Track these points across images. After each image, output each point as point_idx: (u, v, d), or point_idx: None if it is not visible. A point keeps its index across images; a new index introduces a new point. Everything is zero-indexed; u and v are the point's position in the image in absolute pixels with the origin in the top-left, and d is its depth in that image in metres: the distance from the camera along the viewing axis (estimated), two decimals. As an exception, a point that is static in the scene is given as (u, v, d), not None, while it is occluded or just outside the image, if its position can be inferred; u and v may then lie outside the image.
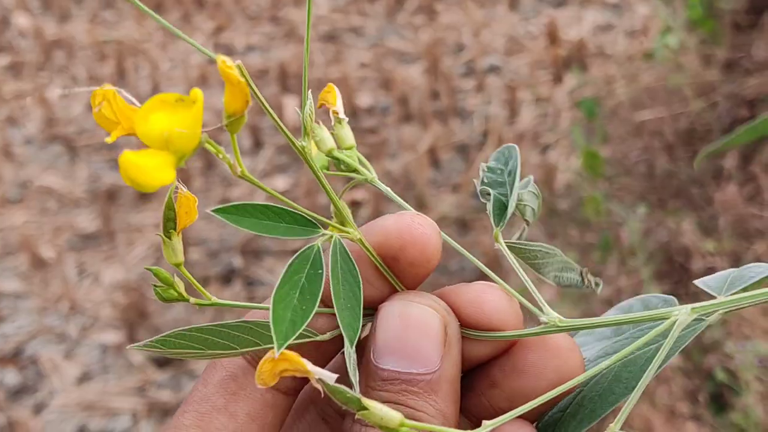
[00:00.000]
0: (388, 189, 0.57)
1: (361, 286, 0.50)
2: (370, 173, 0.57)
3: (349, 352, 0.50)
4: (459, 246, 0.56)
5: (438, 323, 0.52)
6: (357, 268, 0.51)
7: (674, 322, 0.51)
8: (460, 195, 2.96)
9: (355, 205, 2.93)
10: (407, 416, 0.50)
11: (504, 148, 0.59)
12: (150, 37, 3.94)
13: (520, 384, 0.54)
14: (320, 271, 0.49)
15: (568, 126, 3.08)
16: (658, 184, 2.56)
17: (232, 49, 3.83)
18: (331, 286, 0.50)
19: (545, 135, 3.18)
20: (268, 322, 0.52)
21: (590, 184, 2.68)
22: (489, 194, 0.56)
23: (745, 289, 0.55)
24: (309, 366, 0.44)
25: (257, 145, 3.28)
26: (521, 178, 0.59)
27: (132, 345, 0.53)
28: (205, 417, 0.53)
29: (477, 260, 0.55)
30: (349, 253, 0.51)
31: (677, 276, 2.27)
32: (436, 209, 2.90)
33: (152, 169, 0.44)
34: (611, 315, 0.61)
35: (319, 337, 0.53)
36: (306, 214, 0.51)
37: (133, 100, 0.47)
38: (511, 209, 0.56)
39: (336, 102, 0.57)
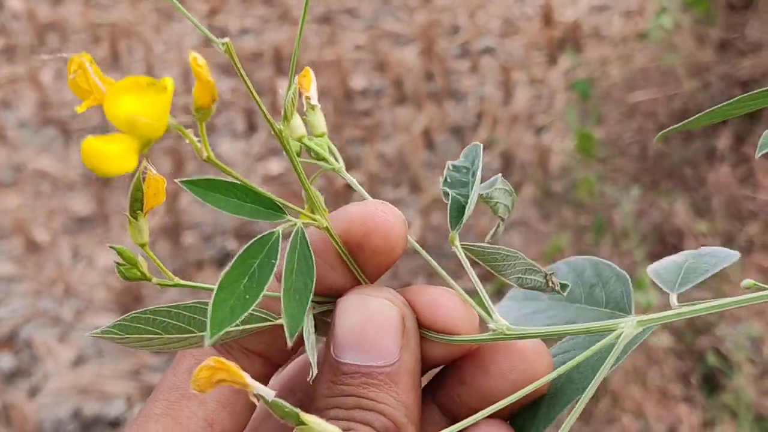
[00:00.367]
0: (353, 180, 0.56)
1: (314, 278, 0.49)
2: (339, 163, 0.56)
3: (309, 336, 0.50)
4: (419, 246, 0.55)
5: (396, 316, 0.52)
6: (313, 260, 0.50)
7: (620, 335, 0.51)
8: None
9: (348, 189, 2.93)
10: (369, 408, 0.50)
11: (472, 146, 0.58)
12: (144, 20, 3.93)
13: (487, 384, 0.54)
14: (273, 261, 0.49)
15: (563, 108, 3.08)
16: (652, 165, 2.56)
17: (226, 31, 3.82)
18: (283, 275, 0.49)
19: (540, 117, 3.18)
20: None
21: (584, 165, 2.67)
22: (448, 195, 0.56)
23: (699, 285, 0.55)
24: (248, 379, 0.43)
25: (251, 128, 3.27)
26: (507, 180, 0.58)
27: (91, 332, 0.53)
28: (175, 405, 0.53)
29: (436, 264, 0.55)
30: (309, 244, 0.50)
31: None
32: (430, 191, 2.90)
33: (114, 156, 0.43)
34: (562, 269, 0.61)
35: (279, 321, 0.52)
36: (274, 198, 0.51)
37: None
38: (468, 212, 0.54)
39: (310, 87, 0.57)
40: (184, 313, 0.53)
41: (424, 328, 0.53)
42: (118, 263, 0.53)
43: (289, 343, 0.48)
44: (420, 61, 3.52)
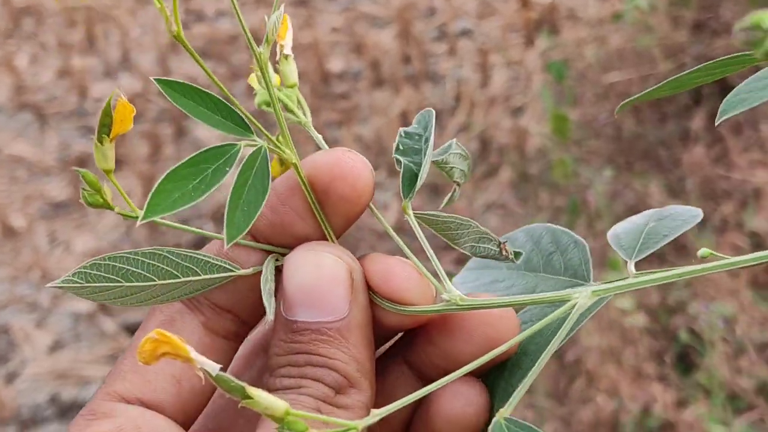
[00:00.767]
0: (320, 137, 0.55)
1: (266, 196, 0.49)
2: (306, 117, 0.55)
3: (266, 283, 0.50)
4: (377, 211, 0.55)
5: (343, 270, 0.51)
6: (270, 181, 0.49)
7: (574, 305, 0.51)
8: (431, 159, 2.95)
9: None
10: (320, 365, 0.50)
11: (424, 112, 0.57)
12: (120, 3, 3.91)
13: (452, 345, 0.54)
14: (228, 169, 0.48)
15: (540, 90, 3.08)
16: (626, 146, 2.57)
17: (203, 14, 3.80)
18: (232, 185, 0.48)
19: (517, 99, 3.18)
20: (183, 250, 0.51)
21: (559, 147, 2.68)
22: (401, 162, 0.55)
23: (658, 252, 0.55)
24: (192, 354, 0.43)
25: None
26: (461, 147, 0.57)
27: (49, 283, 0.52)
28: None
29: (392, 230, 0.54)
30: (268, 166, 0.49)
31: (645, 238, 2.28)
32: (408, 174, 2.90)
33: None
34: (519, 237, 0.60)
35: (241, 272, 0.53)
36: (246, 116, 0.50)
37: None
38: (421, 179, 0.54)
39: (286, 36, 0.56)
40: (143, 259, 0.52)
41: (378, 296, 0.53)
42: (82, 188, 0.53)
43: (226, 248, 0.47)
44: (397, 44, 3.51)
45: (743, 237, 2.21)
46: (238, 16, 0.49)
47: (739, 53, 0.52)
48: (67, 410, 2.44)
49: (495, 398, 0.54)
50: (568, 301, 0.51)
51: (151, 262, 0.52)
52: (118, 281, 0.52)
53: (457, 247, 0.56)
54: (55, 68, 3.57)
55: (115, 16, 3.82)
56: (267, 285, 0.51)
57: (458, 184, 0.57)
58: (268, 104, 0.54)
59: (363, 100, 3.30)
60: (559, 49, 3.21)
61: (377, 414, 0.47)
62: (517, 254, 0.56)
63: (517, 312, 0.56)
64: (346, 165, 0.52)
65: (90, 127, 3.27)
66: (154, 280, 0.52)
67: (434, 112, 0.57)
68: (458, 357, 0.53)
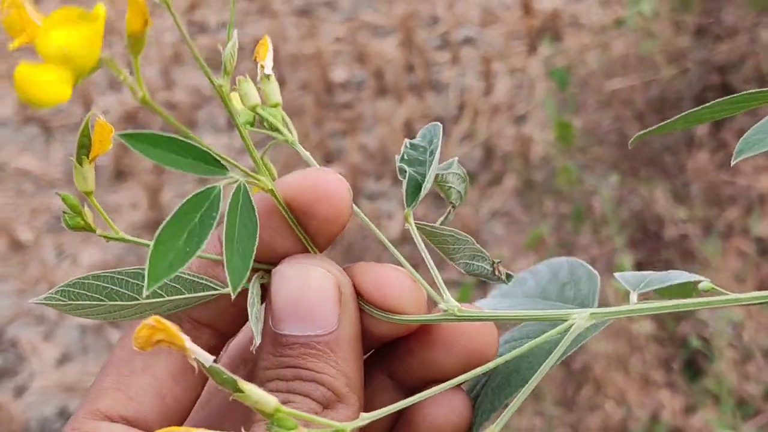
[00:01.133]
0: (307, 154, 0.55)
1: (258, 233, 0.49)
2: (292, 135, 0.55)
3: (254, 305, 0.50)
4: (368, 220, 0.54)
5: (331, 284, 0.51)
6: (257, 216, 0.49)
7: (571, 325, 0.51)
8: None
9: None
10: (309, 379, 0.50)
11: (430, 125, 0.57)
12: (123, 16, 3.91)
13: (432, 356, 0.54)
14: (214, 215, 0.47)
15: (543, 97, 3.08)
16: (630, 153, 2.57)
17: (206, 26, 3.81)
18: (224, 228, 0.48)
19: (520, 107, 3.18)
20: None
21: (563, 154, 2.68)
22: (405, 172, 0.55)
23: (659, 291, 0.56)
24: (186, 343, 0.43)
25: (233, 123, 3.27)
26: (461, 163, 0.58)
27: (33, 299, 0.53)
28: (125, 379, 0.53)
29: (385, 239, 0.54)
30: (252, 199, 0.49)
31: (650, 244, 2.28)
32: (412, 183, 2.90)
33: (48, 83, 0.42)
34: (542, 270, 0.61)
35: (225, 290, 0.52)
36: (215, 153, 0.49)
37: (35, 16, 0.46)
38: (425, 190, 0.54)
39: (266, 56, 0.56)
40: (128, 279, 0.52)
41: (370, 306, 0.53)
42: (63, 211, 0.53)
43: (233, 296, 0.47)
44: (400, 53, 3.52)
45: (748, 242, 2.21)
46: (188, 42, 0.49)
47: (759, 90, 0.53)
48: (76, 423, 2.44)
49: (479, 411, 0.55)
50: (566, 320, 0.52)
51: (135, 282, 0.52)
52: (102, 300, 0.52)
53: (452, 263, 0.56)
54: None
55: (119, 29, 3.82)
56: (254, 308, 0.50)
57: (453, 206, 0.57)
58: (251, 124, 0.55)
59: (366, 110, 3.30)
60: (561, 56, 3.22)
61: (366, 417, 0.47)
62: (509, 276, 0.56)
63: (514, 326, 0.56)
64: (324, 186, 0.52)
65: (95, 139, 3.28)
66: (138, 299, 0.52)
67: (441, 126, 0.57)
68: (438, 367, 0.54)
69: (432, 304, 0.54)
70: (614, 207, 2.36)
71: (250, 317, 0.50)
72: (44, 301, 0.52)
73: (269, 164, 0.52)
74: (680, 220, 2.28)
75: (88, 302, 0.52)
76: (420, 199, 0.54)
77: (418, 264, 0.55)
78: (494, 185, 2.87)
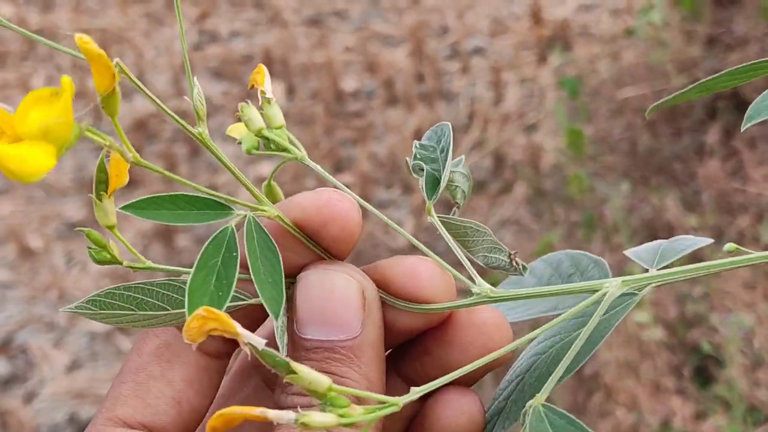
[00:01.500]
0: (318, 167, 0.56)
1: (281, 259, 0.50)
2: (300, 152, 0.56)
3: (277, 321, 0.51)
4: (389, 220, 0.55)
5: (355, 289, 0.52)
6: (274, 242, 0.50)
7: (604, 294, 0.52)
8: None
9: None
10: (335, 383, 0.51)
11: (437, 126, 0.59)
12: (134, 25, 3.93)
13: (448, 355, 0.55)
14: (235, 254, 0.49)
15: (553, 106, 3.09)
16: (641, 161, 2.57)
17: (217, 35, 3.82)
18: (249, 264, 0.49)
19: (530, 116, 3.19)
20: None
21: (574, 162, 2.68)
22: (422, 169, 0.56)
23: (675, 263, 0.56)
24: (239, 328, 0.43)
25: (243, 130, 3.27)
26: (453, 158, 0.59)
27: (63, 308, 0.53)
28: (142, 386, 0.53)
29: (408, 234, 0.55)
30: (264, 228, 0.51)
31: (661, 252, 2.28)
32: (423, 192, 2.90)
33: (31, 157, 0.43)
34: (538, 266, 0.61)
35: (252, 301, 0.53)
36: (217, 196, 0.51)
37: (8, 107, 0.45)
38: (443, 183, 0.55)
39: (264, 82, 0.57)
40: (158, 290, 0.53)
41: (401, 300, 0.54)
42: (89, 247, 0.54)
43: (277, 324, 0.48)
44: (410, 62, 3.52)
45: (759, 250, 2.20)
46: (158, 104, 0.50)
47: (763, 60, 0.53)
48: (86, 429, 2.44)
49: (513, 407, 0.55)
50: (598, 290, 0.52)
51: (165, 292, 0.53)
52: (132, 310, 0.53)
53: (471, 255, 0.57)
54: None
55: (130, 38, 3.84)
56: (280, 320, 0.51)
57: (458, 205, 0.58)
58: (257, 148, 0.56)
59: (377, 119, 3.31)
60: (572, 65, 3.22)
61: (417, 391, 0.47)
62: (524, 268, 0.57)
63: (541, 323, 0.57)
64: (335, 207, 0.53)
65: (106, 147, 3.28)
66: (168, 309, 0.53)
67: (449, 125, 0.59)
68: (454, 367, 0.53)
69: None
70: (625, 215, 2.36)
71: (275, 329, 0.51)
72: (76, 310, 0.53)
73: (275, 187, 0.54)
74: (691, 227, 2.28)
75: (119, 312, 0.53)
76: (440, 192, 0.55)
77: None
78: (504, 193, 2.88)
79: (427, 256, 0.55)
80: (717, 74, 0.55)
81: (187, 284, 0.48)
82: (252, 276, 0.49)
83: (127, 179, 0.53)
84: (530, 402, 0.50)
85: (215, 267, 0.49)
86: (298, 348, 0.52)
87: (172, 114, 0.49)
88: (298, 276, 0.53)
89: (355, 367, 0.51)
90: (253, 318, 0.55)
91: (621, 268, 2.08)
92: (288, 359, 0.44)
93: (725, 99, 2.51)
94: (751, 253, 0.52)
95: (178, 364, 0.54)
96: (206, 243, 0.49)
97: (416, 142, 0.58)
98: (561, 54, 3.32)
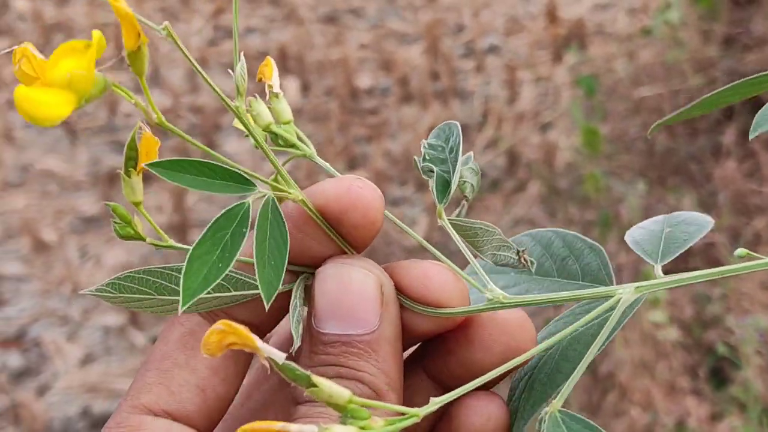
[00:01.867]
0: (327, 164, 0.56)
1: (288, 244, 0.49)
2: (309, 148, 0.56)
3: (296, 308, 0.51)
4: (401, 223, 0.55)
5: (373, 284, 0.52)
6: (286, 226, 0.50)
7: (618, 300, 0.51)
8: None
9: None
10: (350, 377, 0.50)
11: (444, 125, 0.58)
12: (149, 19, 3.93)
13: (471, 355, 0.54)
14: (244, 230, 0.49)
15: (568, 105, 3.08)
16: (658, 160, 2.56)
17: (232, 30, 3.82)
18: (254, 241, 0.49)
19: (545, 114, 3.18)
20: None
21: (590, 161, 2.68)
22: (432, 171, 0.56)
23: (680, 257, 0.55)
24: (258, 343, 0.43)
25: (257, 126, 3.27)
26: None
27: (83, 290, 0.53)
28: (167, 374, 0.53)
29: (420, 238, 0.55)
30: (280, 210, 0.50)
31: (677, 252, 2.27)
32: (437, 189, 2.90)
33: (47, 103, 0.45)
34: (525, 241, 0.60)
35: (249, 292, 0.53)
36: (243, 171, 0.50)
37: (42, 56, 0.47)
38: (454, 185, 0.55)
39: (272, 76, 0.56)
40: (177, 275, 0.53)
41: (415, 302, 0.53)
42: (113, 221, 0.54)
43: (266, 308, 0.48)
44: (425, 60, 3.52)
45: (776, 251, 2.20)
46: (206, 80, 0.50)
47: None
48: (99, 423, 2.45)
49: (526, 405, 0.54)
50: (612, 296, 0.51)
51: None
52: (151, 294, 0.53)
53: (479, 254, 0.57)
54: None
55: (145, 32, 3.84)
56: (296, 310, 0.51)
57: (467, 199, 0.57)
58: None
59: (392, 116, 3.31)
60: (588, 64, 3.21)
61: (437, 402, 0.47)
62: (532, 263, 0.56)
63: (548, 318, 0.56)
64: (357, 194, 0.52)
65: (120, 142, 3.29)
66: None
67: (458, 124, 0.58)
68: (478, 367, 0.53)
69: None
70: (641, 214, 2.35)
71: (291, 320, 0.51)
72: (95, 293, 0.53)
73: (288, 177, 0.53)
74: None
75: (138, 296, 0.53)
76: (451, 195, 0.55)
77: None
78: (518, 192, 2.87)
79: (439, 260, 0.54)
80: (712, 92, 0.54)
81: (189, 251, 0.48)
82: (254, 254, 0.49)
83: (156, 158, 0.53)
84: (546, 408, 0.50)
85: (222, 239, 0.48)
86: (316, 342, 0.52)
87: (215, 88, 0.49)
88: (316, 270, 0.53)
89: (372, 362, 0.51)
90: (270, 309, 0.54)
91: (637, 267, 2.08)
92: (309, 373, 0.44)
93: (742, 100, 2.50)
94: (764, 258, 0.51)
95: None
96: (218, 215, 0.49)
97: (424, 142, 0.58)
98: (577, 53, 3.32)
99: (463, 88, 3.41)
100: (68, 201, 3.12)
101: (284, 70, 3.50)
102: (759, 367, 1.92)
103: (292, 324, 0.50)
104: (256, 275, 0.48)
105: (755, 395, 1.88)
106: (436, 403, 0.47)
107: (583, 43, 3.42)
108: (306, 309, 0.53)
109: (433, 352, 0.56)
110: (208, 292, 0.51)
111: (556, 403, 0.49)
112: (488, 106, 3.28)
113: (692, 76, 2.71)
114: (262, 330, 0.55)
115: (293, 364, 0.43)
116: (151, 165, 0.50)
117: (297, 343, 0.51)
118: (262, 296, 0.48)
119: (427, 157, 0.57)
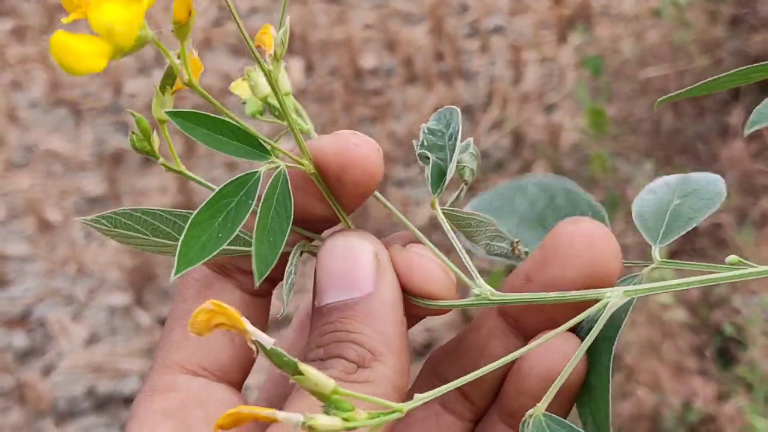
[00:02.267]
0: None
1: (291, 222, 0.49)
2: (306, 123, 0.55)
3: (290, 273, 0.51)
4: (393, 207, 0.55)
5: (368, 250, 0.52)
6: (292, 204, 0.49)
7: (606, 304, 0.50)
8: (465, 155, 2.95)
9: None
10: (345, 340, 0.50)
11: (445, 109, 0.57)
12: (153, 1, 3.92)
13: (552, 274, 0.52)
14: (251, 202, 0.48)
15: (573, 85, 3.07)
16: (664, 141, 2.56)
17: (238, 11, 3.81)
18: (257, 213, 0.48)
19: (550, 95, 3.18)
20: None
21: (596, 142, 2.67)
22: (428, 158, 0.55)
23: (698, 248, 0.55)
24: (247, 326, 0.43)
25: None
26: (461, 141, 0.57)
27: (79, 218, 0.53)
28: None
29: (413, 226, 0.54)
30: (289, 188, 0.49)
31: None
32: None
33: (82, 54, 0.44)
34: (531, 189, 0.59)
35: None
36: (261, 138, 0.50)
37: None
38: (449, 175, 0.54)
39: (272, 44, 0.55)
40: (176, 220, 0.52)
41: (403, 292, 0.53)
42: (133, 132, 0.53)
43: (256, 285, 0.47)
44: (430, 40, 3.51)
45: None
46: (245, 36, 0.50)
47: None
48: (104, 403, 2.45)
49: None
50: (600, 299, 0.50)
51: (182, 224, 0.51)
52: (146, 234, 0.52)
53: (473, 244, 0.56)
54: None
55: (149, 14, 3.83)
56: (290, 278, 0.51)
57: (466, 183, 0.57)
58: (260, 113, 0.55)
59: (396, 97, 3.30)
60: (593, 44, 3.20)
61: (421, 398, 0.46)
62: (527, 254, 0.56)
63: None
64: (355, 151, 0.52)
65: (125, 122, 3.29)
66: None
67: (458, 110, 0.57)
68: (557, 285, 0.51)
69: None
70: (648, 195, 2.35)
71: (284, 285, 0.51)
72: (91, 223, 0.52)
73: (305, 147, 0.53)
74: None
75: (132, 233, 0.52)
76: (445, 184, 0.54)
77: (447, 249, 0.55)
78: (523, 173, 2.87)
79: (430, 249, 0.53)
80: (715, 77, 0.54)
81: (192, 216, 0.47)
82: (255, 226, 0.48)
83: (198, 80, 0.51)
84: (530, 411, 0.49)
85: (227, 206, 0.48)
86: (317, 317, 0.52)
87: (254, 49, 0.49)
88: (318, 250, 0.53)
89: (368, 322, 0.50)
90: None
91: (643, 250, 2.07)
92: (296, 360, 0.43)
93: (749, 79, 2.50)
94: (755, 266, 0.51)
95: (226, 299, 0.54)
96: (227, 182, 0.48)
97: (424, 126, 0.57)
98: (582, 33, 3.31)
99: (468, 68, 3.40)
100: (73, 181, 3.12)
101: (288, 50, 3.48)
102: (765, 347, 1.92)
103: (284, 288, 0.50)
104: (252, 249, 0.48)
105: (762, 375, 1.88)
106: (420, 399, 0.46)
107: (588, 23, 3.41)
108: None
109: (512, 288, 0.54)
110: None
111: (540, 406, 0.49)
112: (493, 86, 3.27)
113: (698, 57, 2.70)
114: (272, 278, 0.54)
115: (280, 350, 0.43)
116: (171, 113, 0.49)
117: (285, 309, 0.50)
118: (255, 272, 0.47)
119: (426, 143, 0.56)
